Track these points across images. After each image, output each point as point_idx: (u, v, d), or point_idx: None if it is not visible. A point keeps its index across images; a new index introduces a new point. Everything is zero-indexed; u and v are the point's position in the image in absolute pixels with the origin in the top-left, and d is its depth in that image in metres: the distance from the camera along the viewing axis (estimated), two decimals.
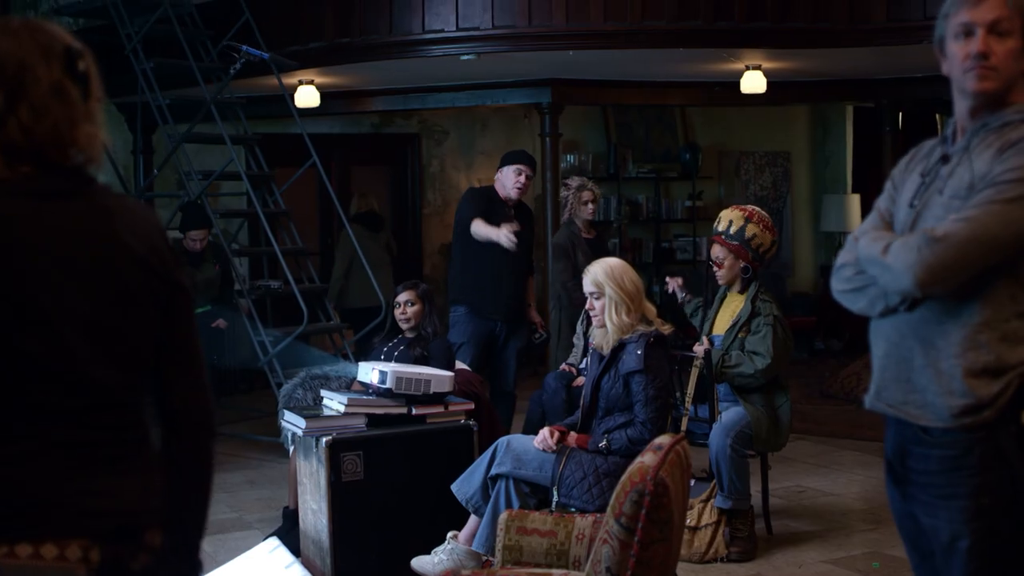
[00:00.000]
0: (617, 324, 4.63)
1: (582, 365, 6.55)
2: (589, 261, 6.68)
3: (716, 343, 5.71)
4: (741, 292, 5.75)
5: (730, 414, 5.51)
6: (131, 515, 2.04)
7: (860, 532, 5.85)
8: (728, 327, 5.65)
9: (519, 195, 6.81)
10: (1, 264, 1.91)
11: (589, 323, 6.59)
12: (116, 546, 2.00)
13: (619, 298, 4.63)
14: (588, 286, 4.72)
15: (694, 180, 12.40)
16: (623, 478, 3.37)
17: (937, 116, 12.49)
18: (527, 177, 6.79)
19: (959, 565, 2.55)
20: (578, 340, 6.74)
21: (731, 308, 5.79)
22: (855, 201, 13.02)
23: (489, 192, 6.89)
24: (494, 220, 6.57)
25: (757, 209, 5.80)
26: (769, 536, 5.73)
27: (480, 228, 6.53)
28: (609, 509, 3.37)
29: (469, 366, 6.42)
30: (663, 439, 3.63)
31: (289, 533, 5.40)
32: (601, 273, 4.68)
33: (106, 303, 2.01)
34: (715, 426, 5.48)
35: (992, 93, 2.54)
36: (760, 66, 8.88)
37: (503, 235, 6.40)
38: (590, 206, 7.69)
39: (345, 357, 8.09)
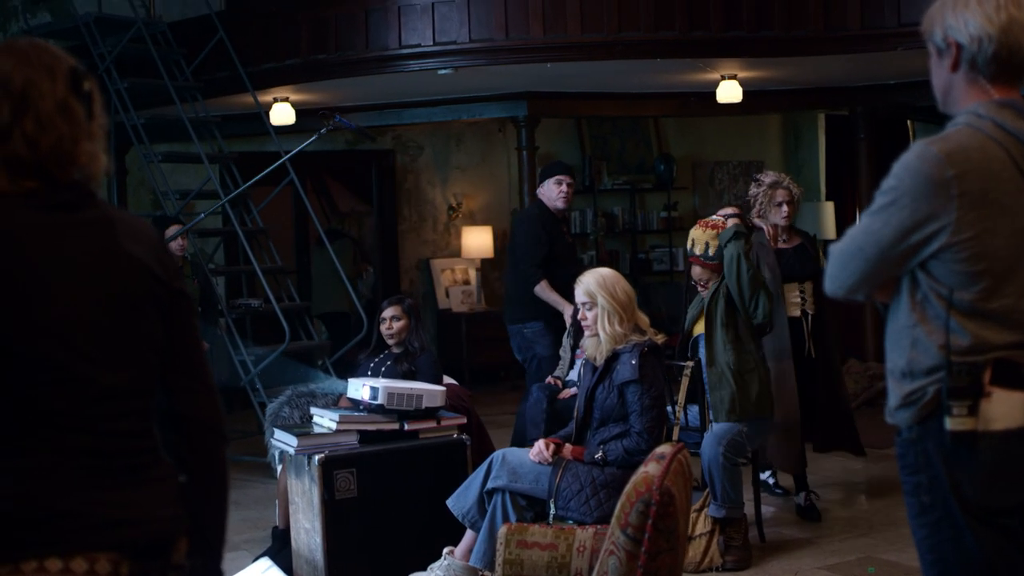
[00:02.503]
0: (610, 334, 4.60)
1: (568, 378, 6.52)
2: (776, 276, 6.06)
3: (701, 344, 5.68)
4: None
5: (721, 423, 5.49)
6: (157, 524, 2.04)
7: (853, 537, 5.84)
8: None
9: (566, 204, 6.97)
10: (8, 275, 1.92)
11: (576, 335, 6.60)
12: (146, 561, 2.00)
13: (611, 308, 4.60)
14: (580, 296, 4.68)
15: (669, 191, 12.42)
16: (627, 488, 3.34)
17: (909, 123, 12.58)
18: (568, 185, 6.93)
19: (921, 559, 2.59)
20: (564, 353, 6.70)
21: None
22: (829, 208, 13.06)
23: (542, 214, 6.97)
24: (557, 243, 6.83)
25: (724, 221, 5.75)
26: (762, 544, 5.71)
27: (548, 295, 6.77)
28: (614, 520, 3.34)
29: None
30: (664, 448, 3.60)
31: (279, 553, 5.33)
32: (593, 283, 4.65)
33: (114, 310, 2.02)
34: (707, 435, 5.46)
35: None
36: (736, 75, 8.90)
37: (569, 315, 6.53)
38: (785, 208, 6.24)
39: (326, 373, 8.05)
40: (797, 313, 6.25)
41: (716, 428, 5.46)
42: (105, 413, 2.00)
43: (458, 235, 11.75)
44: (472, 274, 11.66)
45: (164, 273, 2.12)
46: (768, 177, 6.31)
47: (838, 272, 2.57)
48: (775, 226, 6.27)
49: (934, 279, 2.45)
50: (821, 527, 6.08)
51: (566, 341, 6.74)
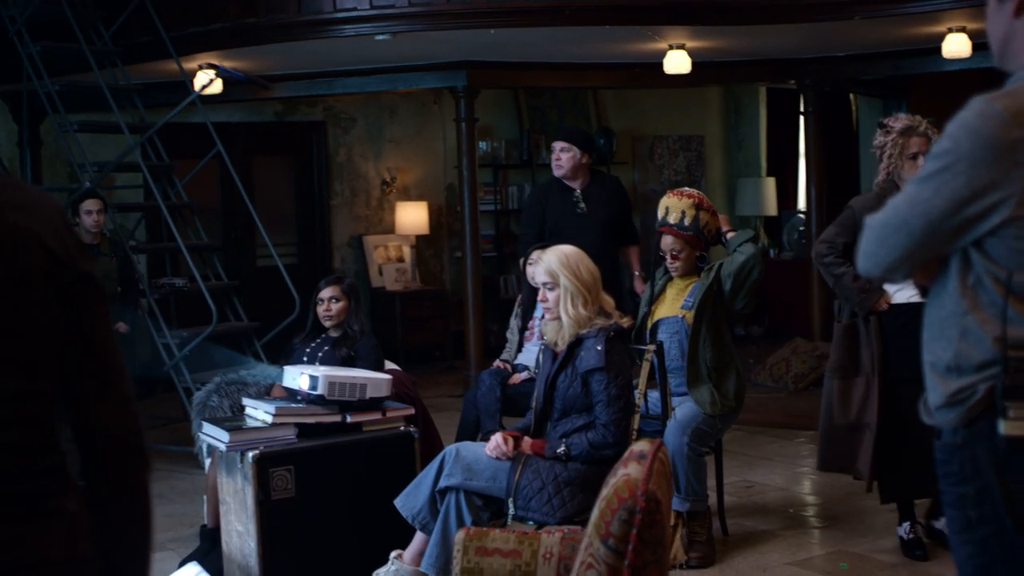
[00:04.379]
0: (573, 317, 4.22)
1: (516, 361, 6.16)
2: None
3: (661, 328, 5.34)
4: (686, 276, 5.38)
5: (684, 410, 5.15)
6: (52, 570, 1.64)
7: (818, 529, 5.56)
8: (687, 304, 5.26)
9: (559, 173, 6.69)
10: None
11: (524, 315, 6.23)
12: None
13: (575, 289, 4.21)
14: (541, 275, 4.29)
15: (609, 166, 12.01)
16: (606, 493, 2.98)
17: (851, 96, 12.35)
18: (560, 151, 6.65)
19: None
20: (511, 335, 6.33)
21: (676, 291, 5.41)
22: (771, 184, 12.84)
23: (545, 185, 6.89)
24: (556, 214, 6.63)
25: (700, 193, 5.43)
26: (725, 538, 5.40)
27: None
28: (592, 529, 2.97)
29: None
30: (643, 446, 3.23)
31: (209, 555, 4.92)
32: (555, 261, 4.26)
33: None
34: (670, 423, 5.11)
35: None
36: (684, 45, 8.55)
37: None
38: (921, 161, 4.89)
39: (256, 357, 7.61)
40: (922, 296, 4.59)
41: (679, 415, 5.12)
42: None
43: (392, 211, 11.31)
44: (406, 251, 11.25)
45: (63, 251, 1.72)
46: (898, 122, 4.95)
47: (875, 248, 2.21)
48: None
49: (990, 259, 2.10)
50: (785, 518, 5.78)
51: (513, 322, 6.37)
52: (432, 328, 11.10)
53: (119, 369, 1.80)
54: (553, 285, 4.25)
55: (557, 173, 6.66)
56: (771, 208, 12.77)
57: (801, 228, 12.22)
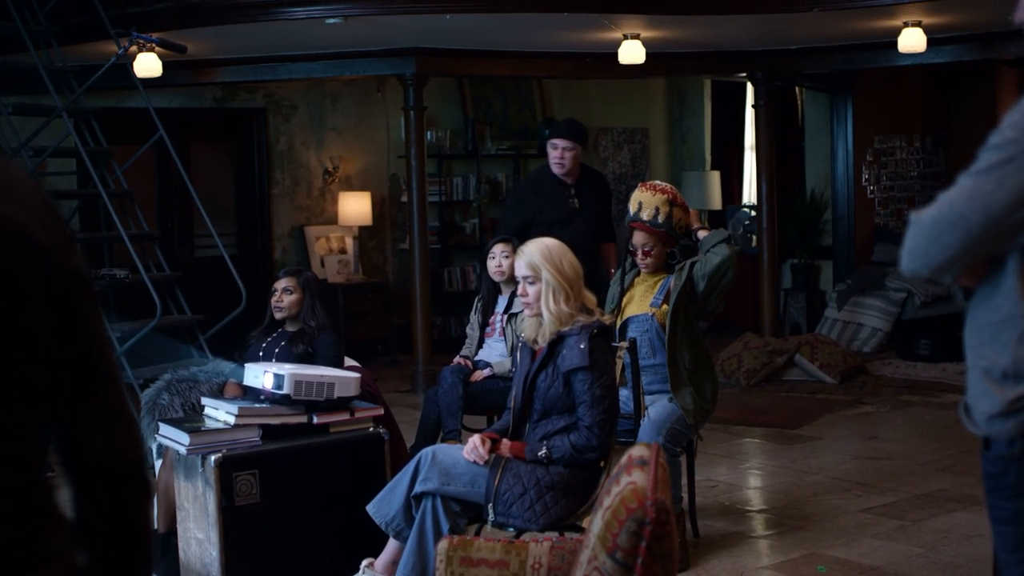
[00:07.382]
0: (555, 314, 4.02)
1: (477, 357, 5.96)
2: None
3: (631, 326, 5.19)
4: (655, 273, 5.23)
5: (658, 409, 4.99)
6: None
7: (790, 532, 5.42)
8: (656, 302, 5.11)
9: (561, 172, 6.52)
10: None
11: (485, 310, 6.02)
12: None
13: (557, 284, 4.02)
14: (521, 269, 4.09)
15: None
16: (612, 503, 2.79)
17: (797, 90, 12.30)
18: (564, 150, 6.49)
19: None
20: (471, 330, 6.12)
21: (644, 289, 5.26)
22: (715, 178, 12.75)
23: (537, 178, 6.72)
24: (549, 208, 6.44)
25: (673, 188, 5.29)
26: (697, 540, 5.25)
27: None
28: (597, 541, 2.79)
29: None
30: (642, 451, 3.06)
31: (161, 562, 4.66)
32: (537, 255, 4.06)
33: None
34: (644, 423, 4.94)
35: None
36: (639, 35, 8.40)
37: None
38: None
39: (200, 350, 7.33)
40: None
41: (653, 415, 4.96)
42: None
43: (334, 201, 11.04)
44: (349, 243, 10.98)
45: (52, 245, 1.46)
46: None
47: (926, 246, 2.03)
48: None
49: None
50: (754, 520, 5.66)
51: (473, 317, 6.17)
52: (375, 322, 10.84)
53: (115, 384, 1.56)
54: (534, 279, 4.06)
55: (557, 171, 6.51)
56: (716, 202, 12.68)
57: (747, 222, 12.15)
